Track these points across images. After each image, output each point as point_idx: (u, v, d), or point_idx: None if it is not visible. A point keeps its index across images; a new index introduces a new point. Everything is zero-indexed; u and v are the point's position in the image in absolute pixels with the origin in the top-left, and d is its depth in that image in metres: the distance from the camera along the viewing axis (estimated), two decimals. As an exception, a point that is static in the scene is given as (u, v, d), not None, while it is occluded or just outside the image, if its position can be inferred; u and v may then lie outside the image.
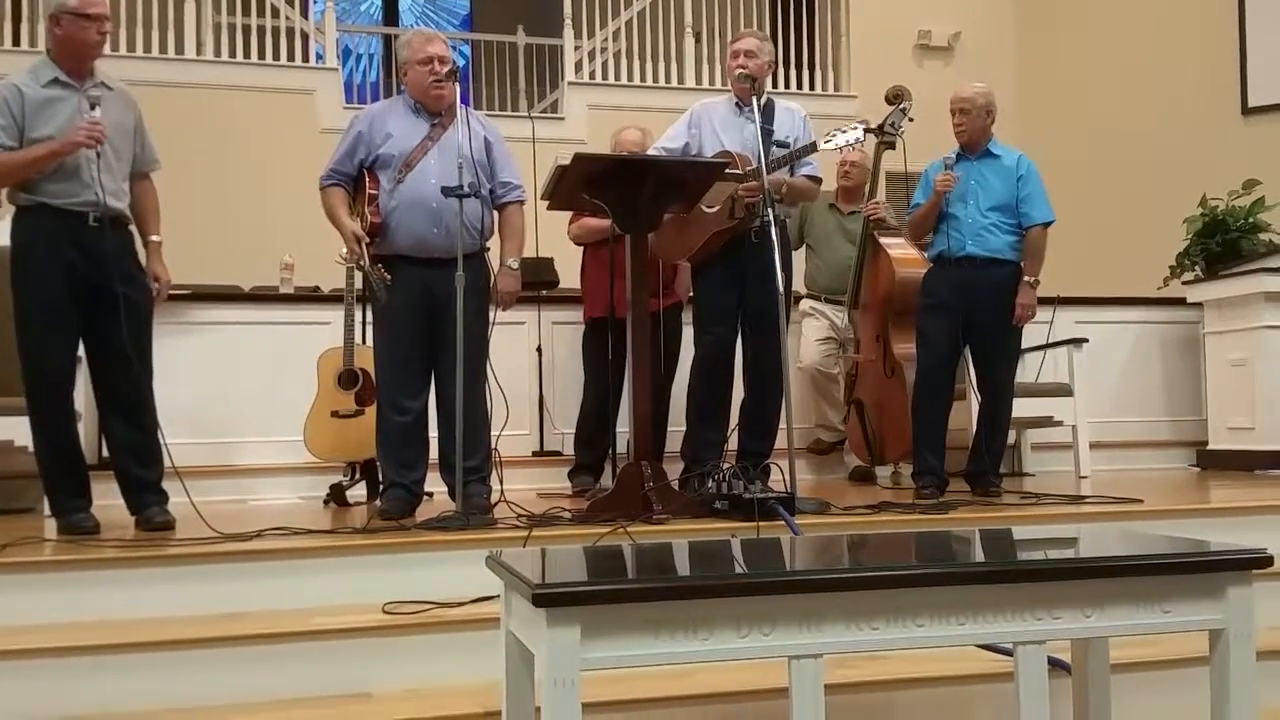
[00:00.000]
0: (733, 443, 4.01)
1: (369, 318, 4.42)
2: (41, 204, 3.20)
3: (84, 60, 3.24)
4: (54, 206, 3.20)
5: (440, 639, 2.58)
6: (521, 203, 3.68)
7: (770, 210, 3.60)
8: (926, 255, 4.25)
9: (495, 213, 3.65)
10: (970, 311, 3.99)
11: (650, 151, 3.97)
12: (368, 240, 3.46)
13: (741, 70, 3.91)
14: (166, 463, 3.33)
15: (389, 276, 3.43)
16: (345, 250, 4.10)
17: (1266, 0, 7.39)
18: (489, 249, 3.64)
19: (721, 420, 3.95)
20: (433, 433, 3.59)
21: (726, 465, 3.49)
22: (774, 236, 3.61)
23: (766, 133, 3.83)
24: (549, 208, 3.71)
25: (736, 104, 3.98)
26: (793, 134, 3.94)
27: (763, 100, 3.93)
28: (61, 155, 3.15)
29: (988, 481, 4.02)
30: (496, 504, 3.47)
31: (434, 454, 3.61)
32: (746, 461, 3.57)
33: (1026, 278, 4.02)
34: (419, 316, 3.49)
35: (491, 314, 3.61)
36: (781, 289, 3.58)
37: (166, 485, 3.37)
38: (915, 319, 4.22)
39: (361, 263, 3.46)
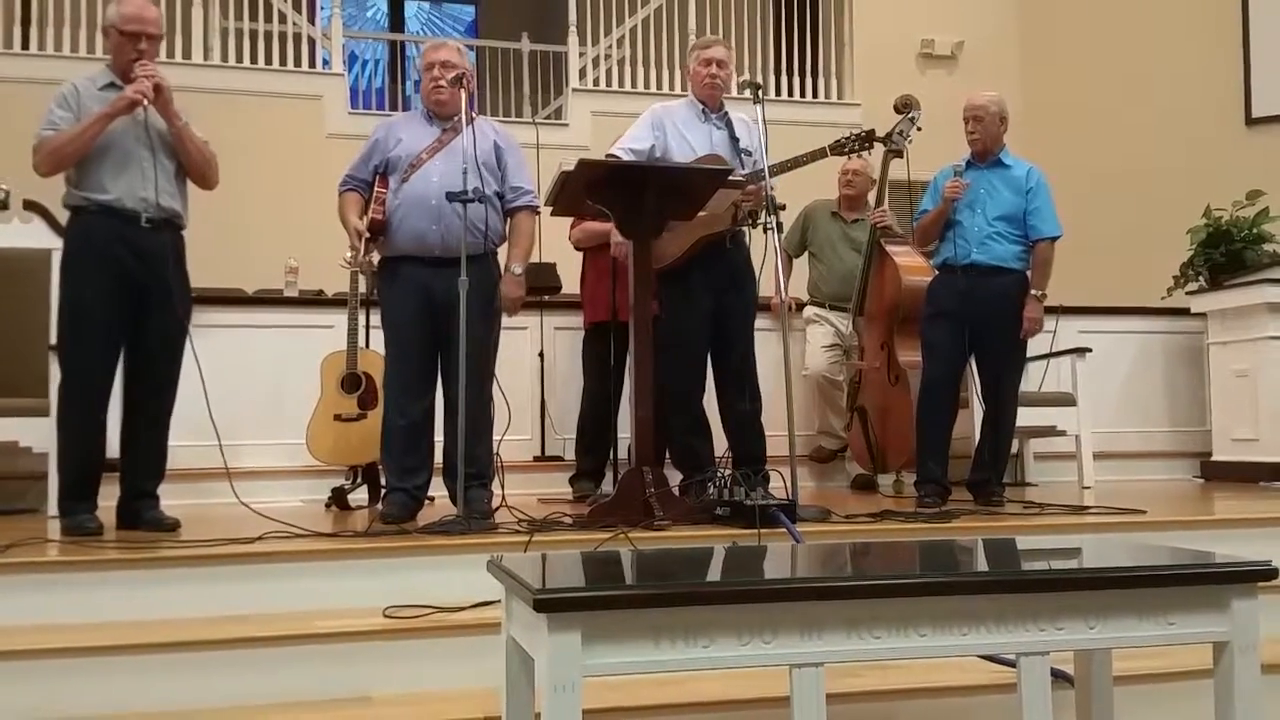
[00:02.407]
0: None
1: (373, 321, 4.43)
2: (94, 202, 3.25)
3: (128, 70, 3.30)
4: (108, 205, 3.25)
5: (441, 643, 2.57)
6: (533, 209, 3.68)
7: (775, 216, 3.60)
8: (932, 263, 4.24)
9: (506, 218, 3.66)
10: (975, 320, 3.99)
11: (615, 151, 3.87)
12: (368, 236, 3.49)
13: (713, 79, 3.89)
14: (196, 465, 3.43)
15: (375, 264, 3.52)
16: (349, 254, 4.11)
17: (1271, 11, 7.40)
18: (496, 252, 3.65)
19: (705, 427, 3.94)
20: (438, 437, 3.58)
21: (727, 472, 3.48)
22: (775, 242, 3.62)
23: (734, 141, 3.85)
24: (553, 213, 3.71)
25: (702, 110, 3.94)
26: (751, 142, 3.94)
27: (722, 109, 3.94)
28: (113, 116, 3.22)
29: (990, 491, 4.01)
30: (497, 509, 3.46)
31: (438, 458, 3.61)
32: (743, 468, 3.56)
33: (1034, 291, 4.01)
34: (422, 318, 3.49)
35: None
36: (784, 294, 3.61)
37: (194, 486, 3.50)
38: (920, 327, 4.22)
39: (357, 255, 3.53)
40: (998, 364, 4.07)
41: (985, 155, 4.09)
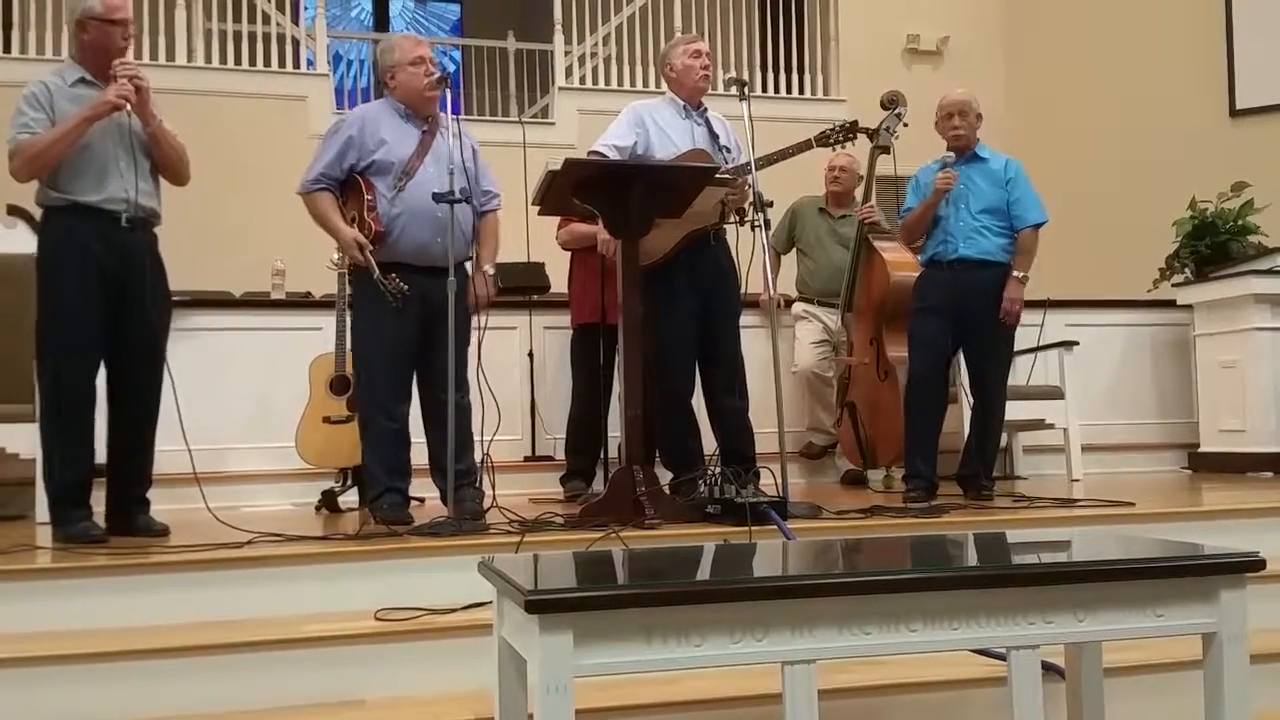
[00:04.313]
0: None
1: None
2: (74, 204, 3.19)
3: (109, 63, 3.24)
4: (86, 205, 3.19)
5: (432, 646, 2.57)
6: (498, 210, 3.71)
7: (763, 212, 3.60)
8: (919, 259, 4.25)
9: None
10: (963, 314, 4.00)
11: (598, 149, 3.84)
12: (370, 247, 3.44)
13: (705, 70, 3.89)
14: (183, 469, 3.37)
15: (405, 286, 3.39)
16: (336, 256, 4.09)
17: (1253, 4, 7.44)
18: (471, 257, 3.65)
19: (694, 425, 3.94)
20: (416, 439, 3.58)
21: (718, 470, 3.49)
22: (764, 239, 3.62)
23: (714, 137, 3.85)
24: (540, 213, 3.71)
25: (684, 107, 3.93)
26: (729, 139, 3.94)
27: (702, 106, 3.95)
28: (95, 119, 3.16)
29: (980, 485, 4.02)
30: (488, 510, 3.46)
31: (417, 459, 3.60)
32: (733, 465, 3.56)
33: (1016, 273, 4.03)
34: (414, 324, 3.48)
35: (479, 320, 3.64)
36: (773, 290, 3.62)
37: (183, 491, 3.44)
38: (907, 322, 4.23)
39: (374, 274, 3.40)
40: (985, 358, 4.08)
41: (965, 150, 4.10)
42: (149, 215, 3.32)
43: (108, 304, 3.23)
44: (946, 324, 4.02)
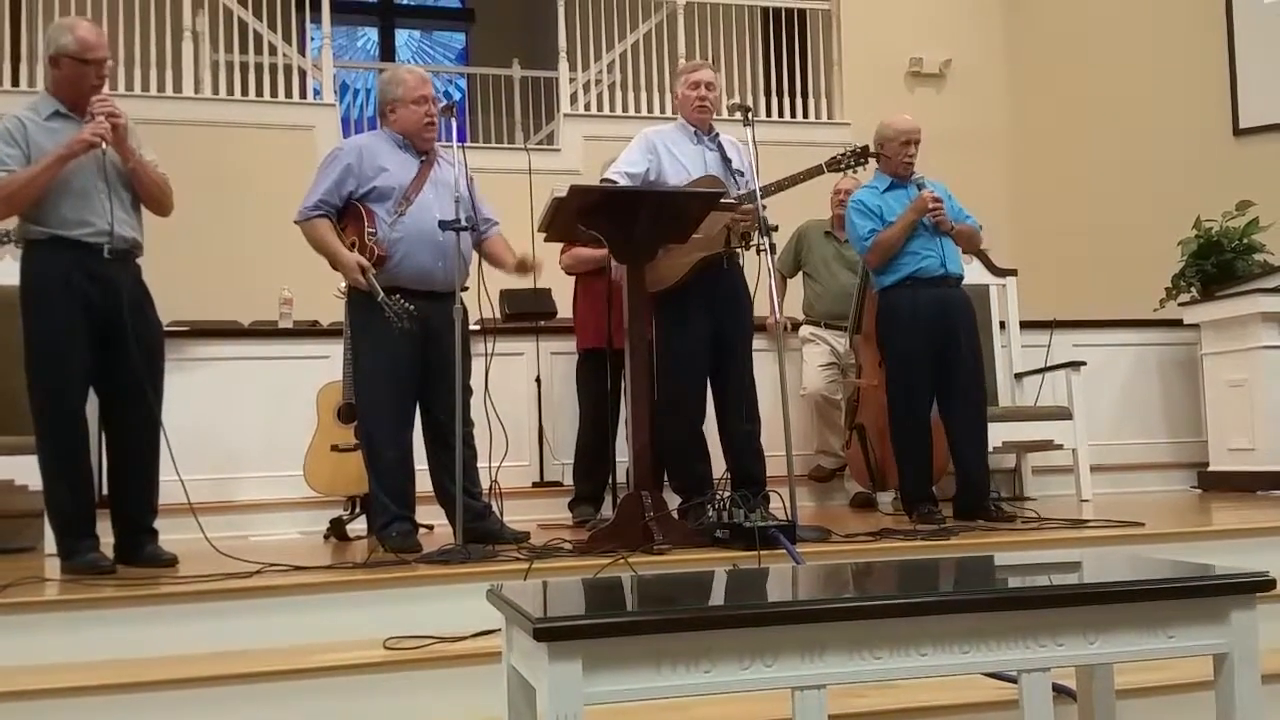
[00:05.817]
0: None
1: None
2: (55, 237, 3.19)
3: (83, 99, 3.26)
4: (68, 239, 3.19)
5: (442, 674, 2.56)
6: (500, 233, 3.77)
7: (768, 237, 3.62)
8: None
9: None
10: (947, 332, 4.00)
11: (610, 176, 3.88)
12: (373, 270, 3.46)
13: (702, 101, 3.92)
14: (180, 500, 3.34)
15: (411, 306, 3.41)
16: (344, 284, 4.11)
17: (1255, 23, 7.47)
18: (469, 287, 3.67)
19: (704, 449, 3.94)
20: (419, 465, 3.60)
21: (727, 494, 3.48)
22: (769, 263, 3.64)
23: (727, 162, 3.87)
24: (545, 240, 3.72)
25: (694, 132, 3.97)
26: (742, 163, 3.97)
27: (713, 131, 3.97)
28: (70, 158, 3.15)
29: (989, 507, 4.00)
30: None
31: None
32: (743, 489, 3.56)
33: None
34: (414, 350, 3.50)
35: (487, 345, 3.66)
36: (780, 314, 3.64)
37: (181, 521, 3.39)
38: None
39: (377, 295, 3.41)
40: (972, 373, 4.09)
41: (911, 175, 4.16)
42: (131, 246, 3.31)
43: (94, 336, 3.22)
44: (933, 343, 4.02)
